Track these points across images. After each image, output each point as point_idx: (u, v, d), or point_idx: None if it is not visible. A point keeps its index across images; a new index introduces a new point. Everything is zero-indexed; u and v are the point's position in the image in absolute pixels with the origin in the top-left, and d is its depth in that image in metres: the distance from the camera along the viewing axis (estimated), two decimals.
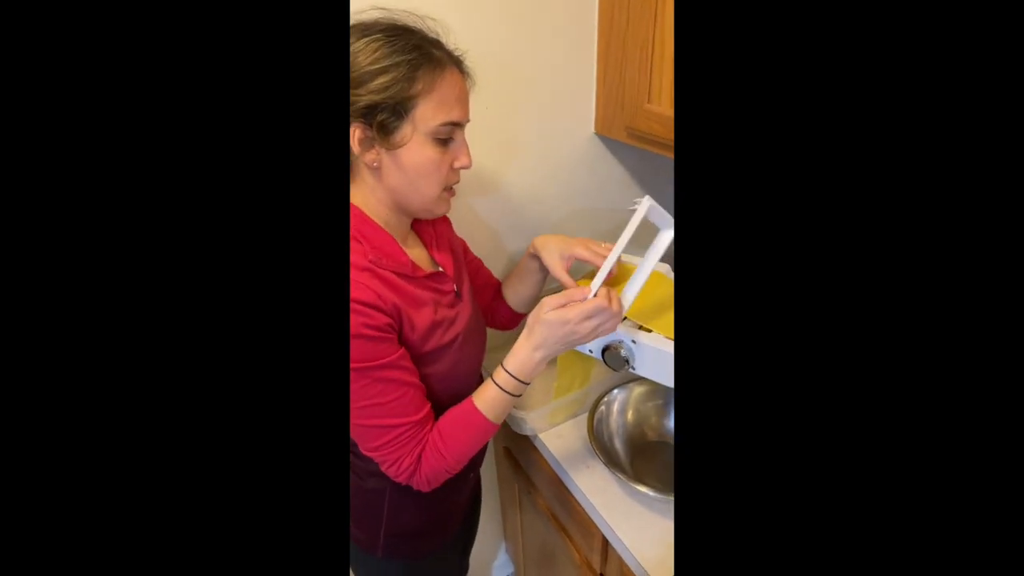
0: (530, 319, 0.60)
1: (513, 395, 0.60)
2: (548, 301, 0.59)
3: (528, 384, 0.61)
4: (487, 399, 0.60)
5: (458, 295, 0.67)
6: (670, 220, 0.63)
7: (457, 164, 0.59)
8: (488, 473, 1.19)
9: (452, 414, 0.61)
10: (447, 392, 0.63)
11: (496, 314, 0.84)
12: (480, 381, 0.62)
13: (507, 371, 0.60)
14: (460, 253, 0.75)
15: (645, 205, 0.60)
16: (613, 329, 0.60)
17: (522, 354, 0.60)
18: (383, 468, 0.59)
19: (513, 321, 0.86)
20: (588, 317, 0.57)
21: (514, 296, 0.83)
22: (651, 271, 0.62)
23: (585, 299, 0.57)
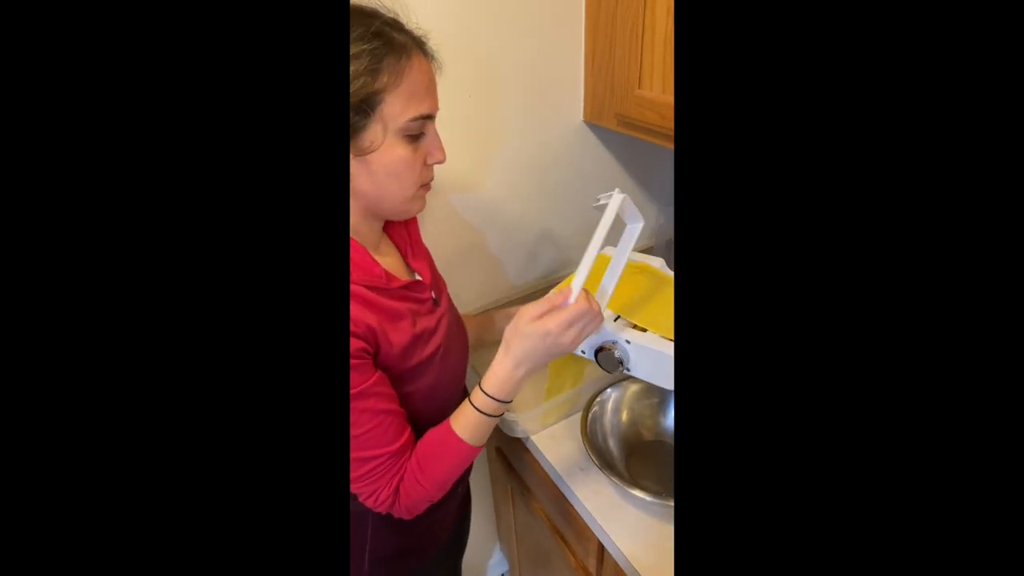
0: (507, 333, 0.54)
1: (494, 416, 0.56)
2: (526, 311, 0.53)
3: (510, 403, 0.56)
4: (466, 423, 0.56)
5: (436, 302, 0.63)
6: (639, 215, 0.61)
7: (431, 160, 0.54)
8: (481, 472, 1.16)
9: (429, 440, 0.56)
10: (431, 409, 0.59)
11: None
12: (465, 393, 0.59)
13: (486, 393, 0.55)
14: (432, 258, 0.71)
15: (617, 200, 0.57)
16: (597, 329, 0.56)
17: (502, 373, 0.54)
18: (360, 499, 0.55)
19: None
20: (570, 324, 0.52)
21: (470, 337, 0.78)
22: (624, 265, 0.59)
23: (566, 303, 0.53)
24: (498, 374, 0.55)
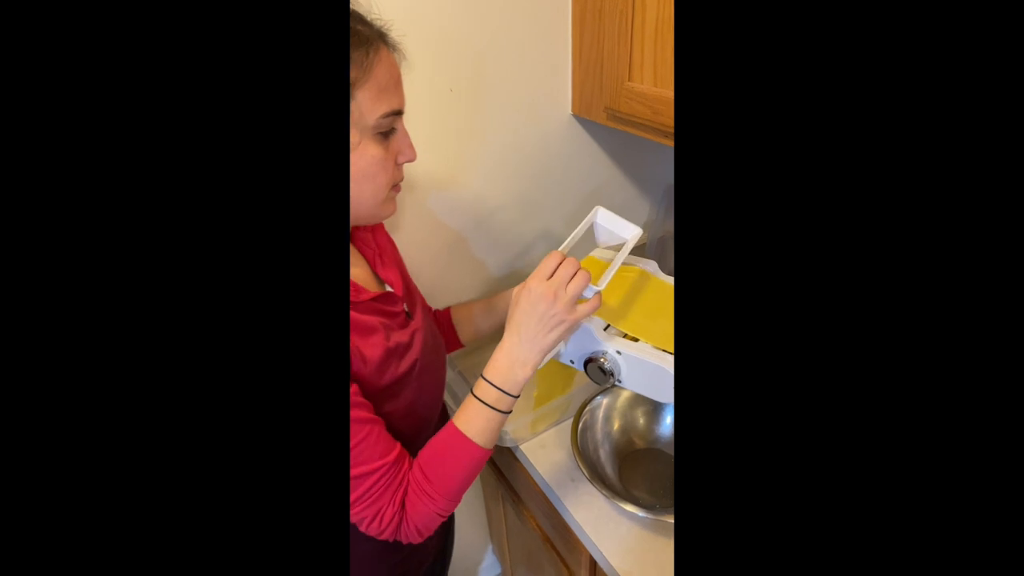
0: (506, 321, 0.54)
1: (499, 410, 0.52)
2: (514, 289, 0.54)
3: (516, 397, 0.53)
4: (470, 419, 0.52)
5: (409, 315, 0.60)
6: (625, 226, 0.61)
7: (402, 159, 0.51)
8: None
9: (434, 445, 0.52)
10: (408, 430, 0.55)
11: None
12: (443, 414, 0.55)
13: (487, 380, 0.52)
14: (405, 267, 0.67)
15: (593, 213, 0.61)
16: (583, 284, 0.52)
17: (500, 354, 0.52)
18: (362, 528, 0.50)
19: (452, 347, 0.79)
20: (546, 274, 0.51)
21: (470, 327, 0.75)
22: (614, 273, 0.57)
23: None
24: (496, 356, 0.53)
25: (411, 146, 0.51)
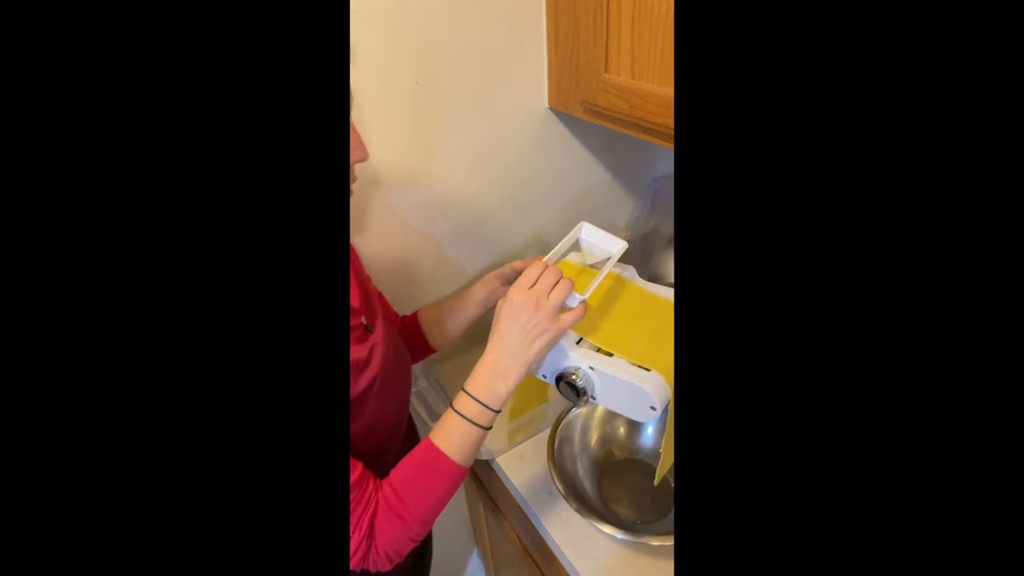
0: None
1: (479, 425, 0.49)
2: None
3: (498, 412, 0.50)
4: (449, 432, 0.48)
5: (368, 328, 0.55)
6: (611, 240, 0.59)
7: (352, 158, 0.47)
8: None
9: (407, 463, 0.49)
10: (369, 452, 0.51)
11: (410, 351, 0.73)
12: (410, 431, 0.51)
13: (468, 393, 0.49)
14: (366, 276, 0.62)
15: (577, 229, 0.59)
16: (566, 292, 0.49)
17: (481, 368, 0.49)
18: None
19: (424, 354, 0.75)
20: (530, 284, 0.49)
21: (440, 330, 0.72)
22: (596, 285, 0.53)
23: None
24: (478, 369, 0.50)
25: (362, 144, 0.47)
